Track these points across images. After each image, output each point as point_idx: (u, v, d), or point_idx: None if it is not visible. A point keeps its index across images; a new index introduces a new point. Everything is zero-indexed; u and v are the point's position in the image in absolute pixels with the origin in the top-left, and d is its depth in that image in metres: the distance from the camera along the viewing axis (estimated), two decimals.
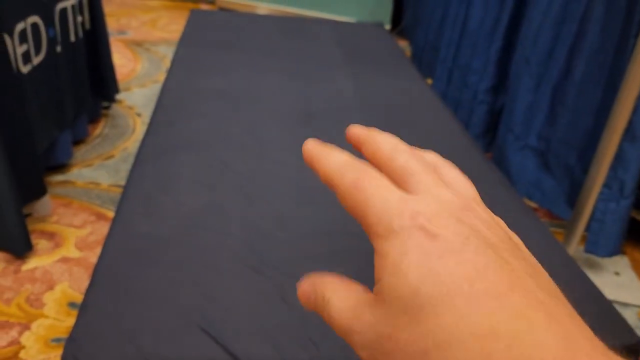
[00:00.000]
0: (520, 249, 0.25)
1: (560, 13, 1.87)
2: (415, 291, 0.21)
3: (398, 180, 0.27)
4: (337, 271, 1.21)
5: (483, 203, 0.29)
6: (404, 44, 3.96)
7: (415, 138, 1.94)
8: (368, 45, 2.92)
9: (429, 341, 0.20)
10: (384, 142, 0.30)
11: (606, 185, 1.68)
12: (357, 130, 0.34)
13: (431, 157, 0.31)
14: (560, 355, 0.18)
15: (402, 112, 2.15)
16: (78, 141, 2.21)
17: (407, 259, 0.22)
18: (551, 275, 1.15)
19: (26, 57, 1.67)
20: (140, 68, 3.10)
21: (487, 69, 2.27)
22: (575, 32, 1.82)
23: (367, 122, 2.00)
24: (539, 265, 0.24)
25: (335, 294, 0.27)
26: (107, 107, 2.54)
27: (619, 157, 1.64)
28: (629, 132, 1.61)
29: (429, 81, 2.88)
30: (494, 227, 0.26)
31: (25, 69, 1.66)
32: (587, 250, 1.74)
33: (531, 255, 0.25)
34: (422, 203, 0.24)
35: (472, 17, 2.35)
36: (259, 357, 1.07)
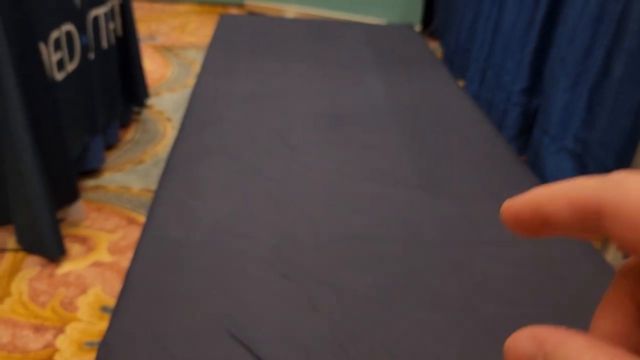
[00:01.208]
0: None
1: (597, 11, 1.81)
2: None
3: None
4: (367, 278, 1.18)
5: None
6: (434, 45, 3.91)
7: (447, 141, 1.91)
8: (398, 47, 2.89)
9: None
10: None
11: None
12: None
13: None
14: None
15: (433, 114, 2.11)
16: (110, 146, 2.24)
17: None
18: (587, 283, 1.10)
19: (60, 65, 1.70)
20: (170, 73, 3.13)
21: (520, 69, 2.22)
22: (614, 31, 1.76)
23: (398, 125, 1.97)
24: None
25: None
26: (138, 113, 2.57)
27: None
28: None
29: (461, 83, 2.83)
30: None
31: (59, 76, 1.69)
32: (626, 256, 1.68)
33: None
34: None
35: (506, 17, 2.30)
36: None
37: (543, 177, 2.02)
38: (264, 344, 1.09)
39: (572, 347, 0.18)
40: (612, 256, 1.75)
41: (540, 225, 0.21)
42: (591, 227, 0.19)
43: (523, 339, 0.20)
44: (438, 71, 2.53)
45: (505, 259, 1.32)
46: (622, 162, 1.76)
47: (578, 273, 1.28)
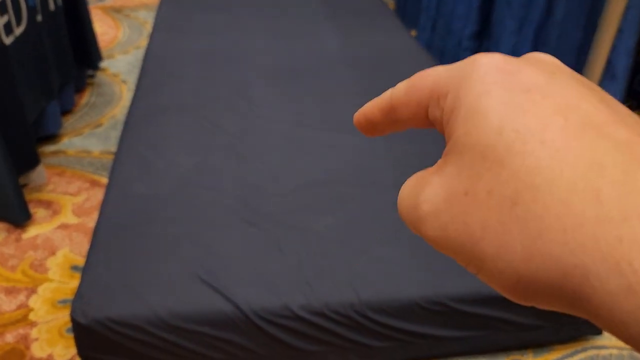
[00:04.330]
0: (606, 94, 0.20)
1: None
2: (498, 130, 0.18)
3: None
4: (329, 219, 1.25)
5: None
6: None
7: None
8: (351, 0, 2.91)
9: (518, 184, 0.17)
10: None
11: None
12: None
13: None
14: None
15: (386, 64, 2.16)
16: (66, 111, 2.21)
17: (486, 99, 0.18)
18: None
19: (8, 28, 1.66)
20: (121, 35, 3.06)
21: (470, 14, 2.27)
22: None
23: (353, 76, 2.02)
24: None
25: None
26: (92, 76, 2.53)
27: None
28: (608, 71, 1.64)
29: (413, 33, 2.88)
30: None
31: (7, 40, 1.66)
32: None
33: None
34: (492, 55, 0.20)
35: None
36: (259, 302, 1.12)
37: None
38: (234, 286, 1.15)
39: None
40: None
41: (390, 124, 0.24)
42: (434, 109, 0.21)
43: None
44: (390, 22, 2.56)
45: None
46: None
47: None
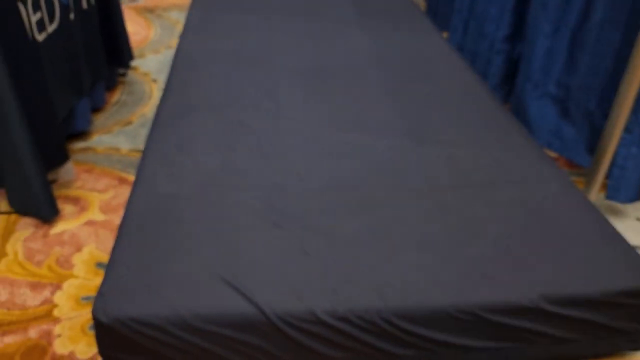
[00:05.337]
0: None
1: None
2: None
3: None
4: (356, 223, 1.22)
5: None
6: None
7: (431, 91, 1.92)
8: (381, 0, 2.87)
9: None
10: None
11: (627, 129, 1.65)
12: None
13: None
14: None
15: (417, 66, 2.12)
16: (97, 109, 2.23)
17: None
18: (572, 221, 1.15)
19: (40, 25, 1.68)
20: (153, 34, 3.09)
21: (503, 16, 2.22)
22: None
23: (383, 77, 1.98)
24: None
25: None
26: (123, 75, 2.55)
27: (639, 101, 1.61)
28: None
29: (445, 34, 2.83)
30: None
31: (40, 37, 1.67)
32: (609, 197, 1.73)
33: None
34: None
35: None
36: (282, 306, 1.09)
37: (527, 123, 2.05)
38: (257, 289, 1.12)
39: None
40: (595, 196, 1.79)
41: None
42: None
43: None
44: (421, 23, 2.52)
45: (489, 201, 1.36)
46: (604, 105, 1.79)
47: (561, 213, 1.32)
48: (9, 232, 1.60)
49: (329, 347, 1.09)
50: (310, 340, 1.08)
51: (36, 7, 1.65)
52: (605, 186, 1.77)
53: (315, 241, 1.23)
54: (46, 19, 1.72)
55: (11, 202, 1.65)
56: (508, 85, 2.32)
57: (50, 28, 1.75)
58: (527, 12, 2.12)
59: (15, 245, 1.55)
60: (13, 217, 1.65)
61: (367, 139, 1.60)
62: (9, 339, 1.28)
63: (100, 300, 1.08)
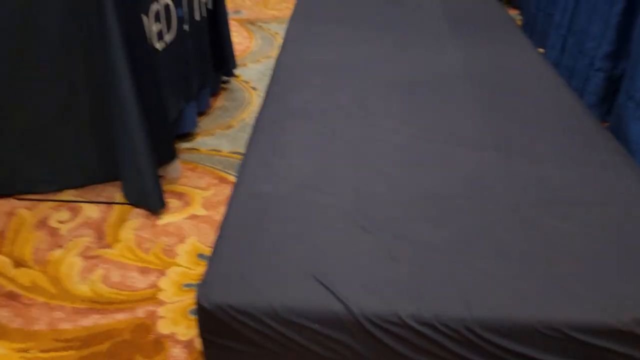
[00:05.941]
0: None
1: None
2: None
3: None
4: (443, 232, 1.26)
5: None
6: (514, 13, 3.82)
7: (524, 106, 1.91)
8: (476, 14, 2.87)
9: None
10: None
11: None
12: None
13: None
14: None
15: (511, 81, 2.11)
16: (202, 112, 2.41)
17: None
18: None
19: (160, 35, 1.85)
20: (254, 45, 3.27)
21: (606, 33, 2.16)
22: None
23: (475, 91, 2.00)
24: None
25: None
26: (226, 82, 2.73)
27: None
28: None
29: (541, 50, 2.78)
30: None
31: (159, 46, 1.84)
32: None
33: None
34: None
35: None
36: (369, 306, 1.15)
37: (627, 143, 1.99)
38: (345, 288, 1.19)
39: None
40: None
41: None
42: None
43: None
44: (517, 38, 2.50)
45: (580, 219, 1.34)
46: None
47: None
48: (122, 220, 1.77)
49: (412, 350, 1.13)
50: (395, 343, 1.12)
51: (157, 19, 1.82)
52: None
53: (402, 247, 1.28)
54: (165, 29, 1.89)
55: (126, 194, 1.82)
56: (607, 104, 2.25)
57: (168, 38, 1.92)
58: (632, 29, 2.06)
59: (128, 233, 1.71)
60: (126, 207, 1.83)
61: (456, 151, 1.62)
62: (120, 316, 1.43)
63: (204, 287, 1.19)
